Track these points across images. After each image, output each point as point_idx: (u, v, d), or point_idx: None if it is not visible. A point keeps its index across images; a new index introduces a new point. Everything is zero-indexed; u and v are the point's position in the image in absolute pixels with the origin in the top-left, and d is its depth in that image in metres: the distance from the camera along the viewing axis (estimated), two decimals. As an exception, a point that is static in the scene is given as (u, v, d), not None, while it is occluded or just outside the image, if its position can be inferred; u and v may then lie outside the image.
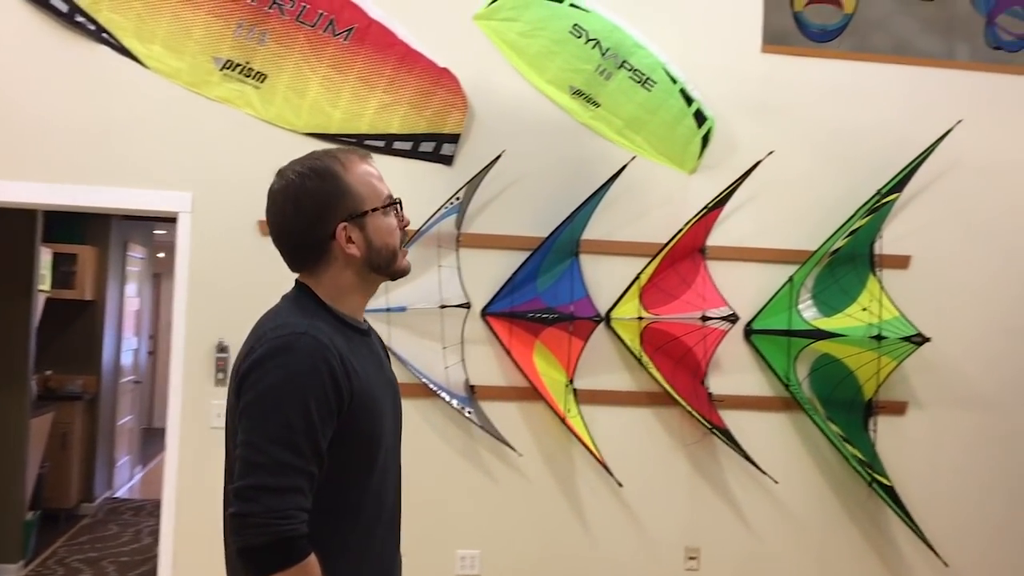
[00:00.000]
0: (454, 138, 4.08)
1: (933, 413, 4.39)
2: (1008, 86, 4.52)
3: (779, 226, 4.31)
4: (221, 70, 3.95)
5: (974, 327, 4.43)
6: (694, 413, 4.10)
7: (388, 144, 4.05)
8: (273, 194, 1.74)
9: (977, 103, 4.44)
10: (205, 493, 3.91)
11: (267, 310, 1.77)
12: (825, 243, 4.26)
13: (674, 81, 4.15)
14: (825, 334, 4.18)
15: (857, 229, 4.23)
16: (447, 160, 4.09)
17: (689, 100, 4.16)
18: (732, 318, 4.13)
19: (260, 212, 3.98)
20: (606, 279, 4.15)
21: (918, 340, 4.17)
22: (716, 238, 4.24)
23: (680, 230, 4.12)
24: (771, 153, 4.18)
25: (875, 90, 4.42)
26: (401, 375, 3.08)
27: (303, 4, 3.94)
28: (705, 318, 4.12)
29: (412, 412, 3.78)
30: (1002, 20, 4.78)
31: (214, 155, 4.00)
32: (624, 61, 4.11)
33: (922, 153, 4.23)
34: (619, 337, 4.13)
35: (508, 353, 4.04)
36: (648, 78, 4.13)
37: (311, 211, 1.69)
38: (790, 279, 4.25)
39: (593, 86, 4.14)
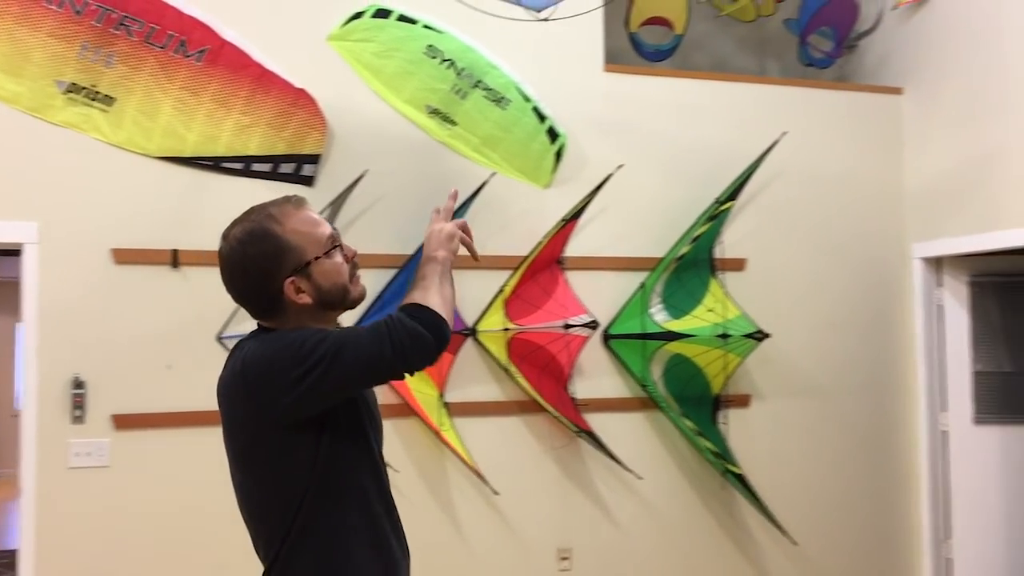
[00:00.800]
0: (314, 159, 4.08)
1: (774, 404, 4.73)
2: (821, 100, 4.95)
3: (630, 235, 4.55)
4: (65, 93, 3.79)
5: (804, 323, 4.81)
6: (560, 418, 4.26)
7: (247, 166, 4.00)
8: (222, 260, 1.87)
9: (795, 116, 4.82)
10: (67, 538, 3.73)
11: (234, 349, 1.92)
12: (671, 250, 4.53)
13: (527, 99, 4.30)
14: (676, 335, 4.44)
15: (699, 236, 4.52)
16: (308, 181, 4.08)
17: (542, 117, 4.33)
18: (592, 324, 4.32)
19: (112, 239, 3.90)
20: (471, 293, 4.24)
21: (759, 336, 4.50)
22: (573, 249, 4.42)
23: (539, 243, 4.28)
24: (621, 167, 4.41)
25: (705, 106, 4.73)
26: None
27: (152, 26, 3.83)
28: (567, 326, 4.29)
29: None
30: (813, 39, 5.23)
31: (60, 182, 3.83)
32: (479, 80, 4.24)
33: (752, 163, 4.57)
34: (486, 349, 4.24)
35: (379, 371, 4.06)
36: (503, 97, 4.27)
37: (257, 275, 1.82)
38: (642, 285, 4.49)
39: (449, 105, 4.24)
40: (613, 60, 4.68)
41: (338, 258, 1.87)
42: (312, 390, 1.71)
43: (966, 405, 4.91)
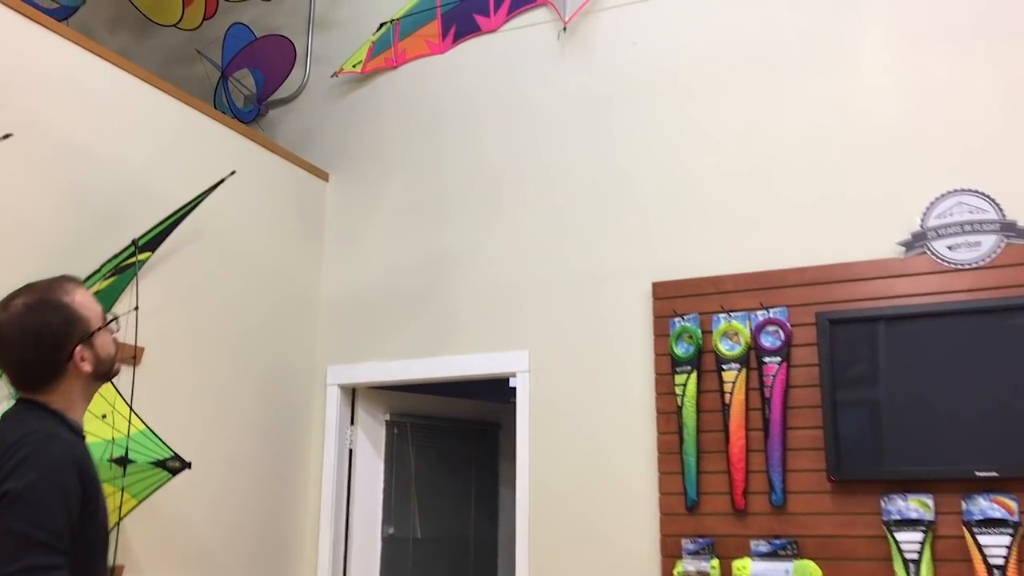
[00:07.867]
0: None
1: (153, 578, 2.99)
2: (250, 154, 3.64)
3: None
4: None
5: (200, 453, 3.24)
6: None
7: None
8: (3, 327, 1.80)
9: (223, 161, 3.42)
10: None
11: None
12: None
13: None
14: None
15: (96, 294, 2.74)
16: None
17: None
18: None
19: None
20: None
21: (175, 466, 2.82)
22: None
23: None
24: (9, 136, 2.45)
25: (116, 102, 3.06)
26: None
27: None
28: None
29: None
30: (234, 83, 3.96)
31: None
32: None
33: (193, 200, 3.04)
34: None
35: None
36: None
37: (50, 341, 1.82)
38: None
39: None
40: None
41: (110, 332, 1.94)
42: None
43: (373, 578, 3.82)
